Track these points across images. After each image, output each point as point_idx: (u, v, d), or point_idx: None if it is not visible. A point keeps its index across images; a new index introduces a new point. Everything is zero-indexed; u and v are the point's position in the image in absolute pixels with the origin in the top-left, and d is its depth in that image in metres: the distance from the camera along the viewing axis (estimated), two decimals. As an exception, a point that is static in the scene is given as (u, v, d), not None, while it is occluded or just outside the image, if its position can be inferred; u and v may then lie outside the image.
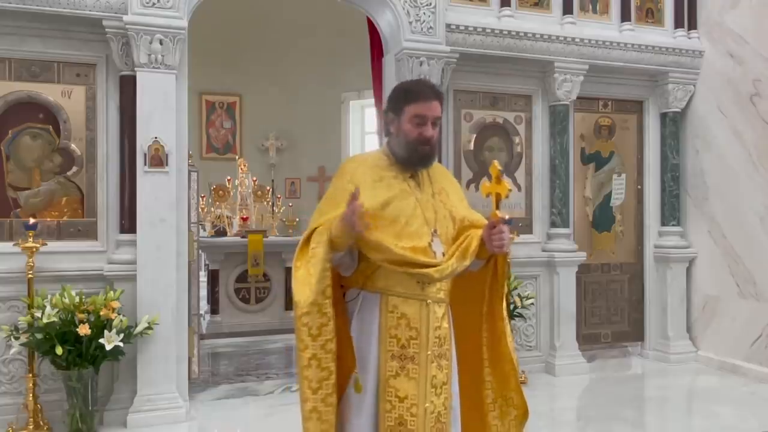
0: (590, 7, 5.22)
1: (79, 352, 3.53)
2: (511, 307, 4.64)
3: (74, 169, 4.05)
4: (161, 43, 3.88)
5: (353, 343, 2.14)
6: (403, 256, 2.03)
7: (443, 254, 2.13)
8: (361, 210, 1.92)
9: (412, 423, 2.09)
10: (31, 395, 3.64)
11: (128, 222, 3.99)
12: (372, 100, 5.92)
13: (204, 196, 7.59)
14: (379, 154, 2.26)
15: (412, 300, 2.11)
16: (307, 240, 2.09)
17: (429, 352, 2.12)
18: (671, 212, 5.51)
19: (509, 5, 4.89)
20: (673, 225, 5.51)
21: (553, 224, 5.18)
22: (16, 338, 3.58)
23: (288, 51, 10.09)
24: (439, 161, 4.65)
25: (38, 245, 3.68)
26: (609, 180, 5.55)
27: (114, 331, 3.56)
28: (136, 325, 3.73)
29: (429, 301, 2.12)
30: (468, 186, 5.03)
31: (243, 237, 6.99)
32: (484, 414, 2.32)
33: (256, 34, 9.94)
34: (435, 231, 2.15)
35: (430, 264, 2.08)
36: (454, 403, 2.24)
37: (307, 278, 2.02)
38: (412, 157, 2.16)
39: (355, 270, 2.16)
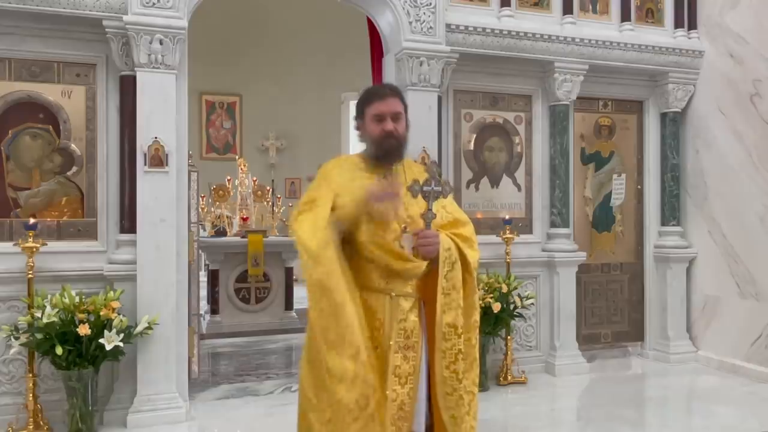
0: (590, 7, 5.22)
1: (79, 352, 3.53)
2: (511, 307, 4.64)
3: (74, 169, 4.05)
4: (161, 43, 3.88)
5: None
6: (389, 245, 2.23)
7: (412, 249, 2.26)
8: (399, 187, 2.20)
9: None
10: (31, 395, 3.64)
11: (128, 222, 3.99)
12: (372, 100, 5.90)
13: (204, 196, 7.59)
14: (356, 157, 2.44)
15: (378, 294, 2.26)
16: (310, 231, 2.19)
17: (392, 342, 2.24)
18: (671, 212, 5.51)
19: (509, 5, 4.89)
20: (673, 225, 5.51)
21: (553, 224, 5.18)
22: (16, 338, 3.57)
23: (288, 51, 10.10)
24: (439, 161, 4.69)
25: (38, 245, 3.68)
26: (609, 180, 5.56)
27: (114, 331, 3.56)
28: (136, 325, 3.73)
29: (394, 294, 2.27)
30: (468, 186, 5.03)
31: (243, 237, 6.99)
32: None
33: (256, 34, 9.96)
34: (405, 228, 2.28)
35: (410, 261, 2.24)
36: (421, 395, 2.32)
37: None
38: (380, 152, 2.34)
39: None
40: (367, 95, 2.38)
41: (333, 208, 2.18)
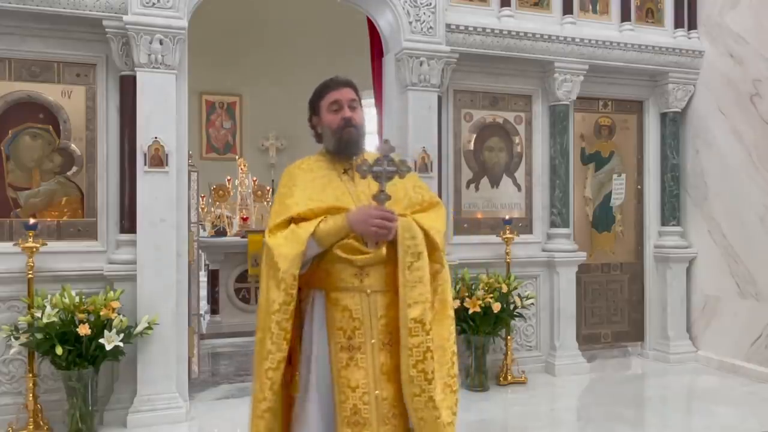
0: (590, 7, 5.22)
1: (79, 352, 3.53)
2: (511, 307, 4.64)
3: (74, 169, 4.05)
4: (161, 43, 3.88)
5: (303, 342, 2.26)
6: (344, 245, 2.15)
7: (376, 243, 2.19)
8: (394, 216, 2.12)
9: (366, 411, 2.16)
10: (31, 395, 3.64)
11: (128, 222, 3.99)
12: (372, 100, 5.91)
13: (204, 196, 7.59)
14: (316, 156, 2.38)
15: (353, 292, 2.19)
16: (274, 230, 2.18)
17: (374, 341, 2.18)
18: (671, 212, 5.51)
19: (509, 5, 4.89)
20: (673, 225, 5.51)
21: (553, 224, 5.18)
22: (16, 338, 3.57)
23: (288, 51, 10.10)
24: (439, 161, 4.69)
25: (38, 245, 3.68)
26: (609, 180, 5.56)
27: (114, 331, 3.56)
28: (136, 325, 3.73)
29: (370, 291, 2.19)
30: (468, 186, 5.03)
31: (243, 237, 6.99)
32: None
33: (256, 34, 9.95)
34: None
35: (363, 253, 2.17)
36: None
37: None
38: (340, 144, 2.27)
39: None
40: (320, 88, 2.32)
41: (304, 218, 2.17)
